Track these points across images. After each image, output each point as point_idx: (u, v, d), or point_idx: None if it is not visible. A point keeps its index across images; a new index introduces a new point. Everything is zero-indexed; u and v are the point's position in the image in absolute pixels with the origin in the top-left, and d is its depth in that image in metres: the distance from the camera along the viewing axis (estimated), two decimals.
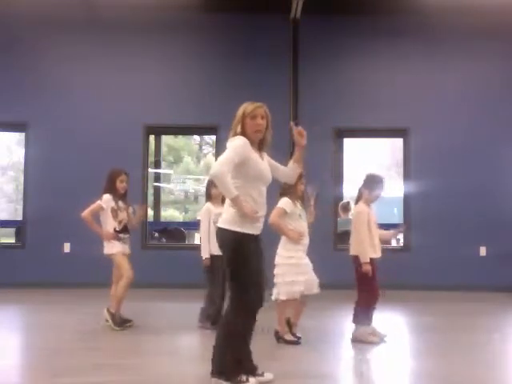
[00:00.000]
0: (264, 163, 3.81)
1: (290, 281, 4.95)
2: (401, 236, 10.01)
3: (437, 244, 8.90)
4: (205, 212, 5.88)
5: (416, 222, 9.08)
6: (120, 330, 5.58)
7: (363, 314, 5.15)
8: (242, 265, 3.65)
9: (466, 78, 9.26)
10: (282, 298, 4.98)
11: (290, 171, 4.04)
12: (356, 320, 5.19)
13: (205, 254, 5.76)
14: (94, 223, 5.72)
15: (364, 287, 5.12)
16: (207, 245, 5.76)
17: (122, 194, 5.86)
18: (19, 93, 9.16)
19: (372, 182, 5.27)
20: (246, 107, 3.75)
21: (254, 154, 3.71)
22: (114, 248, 5.70)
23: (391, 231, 5.73)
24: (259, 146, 3.83)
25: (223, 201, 5.88)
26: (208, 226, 5.78)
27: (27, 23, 9.15)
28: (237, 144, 3.65)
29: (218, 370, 3.65)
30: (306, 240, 5.11)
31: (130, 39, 9.24)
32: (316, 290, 5.05)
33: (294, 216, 5.02)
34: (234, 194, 3.54)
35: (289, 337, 5.06)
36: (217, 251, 5.78)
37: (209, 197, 5.93)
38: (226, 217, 3.71)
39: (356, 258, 5.13)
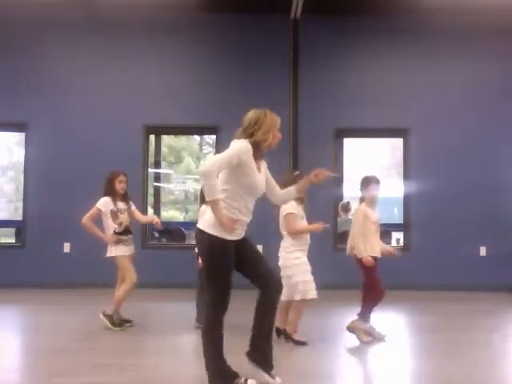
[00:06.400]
0: (260, 175, 3.73)
1: (303, 280, 4.94)
2: (401, 236, 10.02)
3: (437, 244, 8.91)
4: (201, 215, 5.87)
5: (416, 222, 9.10)
6: (119, 331, 5.59)
7: (366, 310, 5.21)
8: (213, 268, 3.60)
9: (466, 78, 9.25)
10: (298, 298, 4.97)
11: (284, 196, 3.99)
12: (359, 313, 5.24)
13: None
14: (94, 228, 5.67)
15: (369, 285, 5.15)
16: None
17: (122, 194, 5.84)
18: (19, 93, 9.15)
19: (365, 184, 5.37)
20: (274, 119, 3.72)
21: (253, 164, 3.64)
22: (116, 251, 5.68)
23: (389, 248, 5.65)
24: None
25: None
26: None
27: (27, 23, 9.16)
28: (240, 146, 3.58)
29: (213, 380, 3.61)
30: (308, 240, 5.13)
31: (130, 39, 9.24)
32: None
33: (297, 217, 5.05)
34: (214, 197, 3.46)
35: (298, 337, 5.06)
36: None
37: (204, 200, 5.91)
38: (205, 218, 3.65)
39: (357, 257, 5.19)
